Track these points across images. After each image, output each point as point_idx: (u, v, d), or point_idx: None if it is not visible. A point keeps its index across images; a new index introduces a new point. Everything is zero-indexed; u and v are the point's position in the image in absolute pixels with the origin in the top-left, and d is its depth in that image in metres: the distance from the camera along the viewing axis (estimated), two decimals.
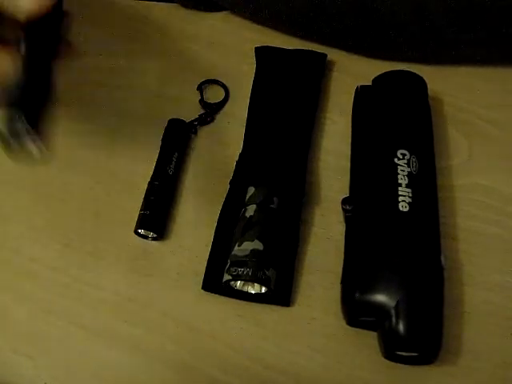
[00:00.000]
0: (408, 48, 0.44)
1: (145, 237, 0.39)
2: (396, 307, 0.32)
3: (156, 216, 0.39)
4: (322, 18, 0.43)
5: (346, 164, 0.40)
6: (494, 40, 0.42)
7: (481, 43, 0.43)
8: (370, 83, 0.42)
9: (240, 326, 0.36)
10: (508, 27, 0.40)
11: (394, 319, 0.32)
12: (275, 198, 0.37)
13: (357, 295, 0.33)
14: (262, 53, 0.46)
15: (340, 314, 0.35)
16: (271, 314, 0.36)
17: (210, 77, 0.46)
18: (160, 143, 0.42)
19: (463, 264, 0.37)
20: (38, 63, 0.30)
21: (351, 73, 0.45)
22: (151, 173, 0.41)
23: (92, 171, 0.43)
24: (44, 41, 0.31)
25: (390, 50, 0.45)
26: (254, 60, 0.46)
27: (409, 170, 0.36)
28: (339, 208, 0.37)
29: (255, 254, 0.35)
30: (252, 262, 0.35)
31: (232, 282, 0.36)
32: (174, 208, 0.41)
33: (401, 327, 0.32)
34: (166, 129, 0.42)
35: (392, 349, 0.33)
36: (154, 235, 0.39)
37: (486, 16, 0.40)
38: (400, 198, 0.35)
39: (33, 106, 0.28)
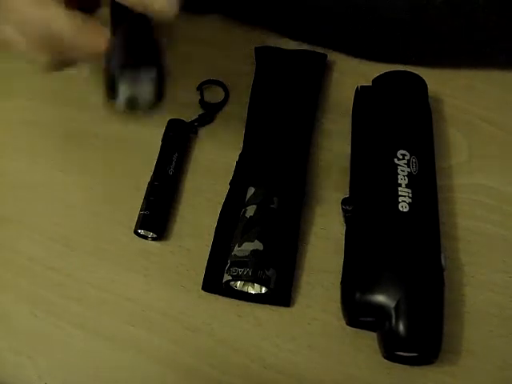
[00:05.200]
0: (407, 51, 0.44)
1: (145, 237, 0.39)
2: (396, 307, 0.32)
3: (156, 216, 0.39)
4: (322, 22, 0.43)
5: (346, 164, 0.40)
6: (494, 44, 0.42)
7: (480, 47, 0.43)
8: (370, 83, 0.42)
9: (240, 325, 0.36)
10: (507, 30, 0.41)
11: (393, 319, 0.32)
12: (275, 198, 0.37)
13: (357, 295, 0.33)
14: (262, 53, 0.46)
15: (340, 314, 0.35)
16: (271, 314, 0.36)
17: (210, 77, 0.46)
18: (160, 143, 0.42)
19: (463, 264, 0.37)
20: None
21: (351, 73, 0.45)
22: (151, 173, 0.41)
23: (92, 171, 0.43)
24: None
25: (390, 53, 0.45)
26: (254, 60, 0.46)
27: (409, 170, 0.36)
28: (339, 208, 0.37)
29: (255, 254, 0.35)
30: (252, 263, 0.35)
31: (232, 283, 0.36)
32: (174, 208, 0.41)
33: (401, 327, 0.32)
34: (166, 129, 0.42)
35: (392, 349, 0.33)
36: (154, 235, 0.39)
37: (484, 20, 0.40)
38: (400, 199, 0.35)
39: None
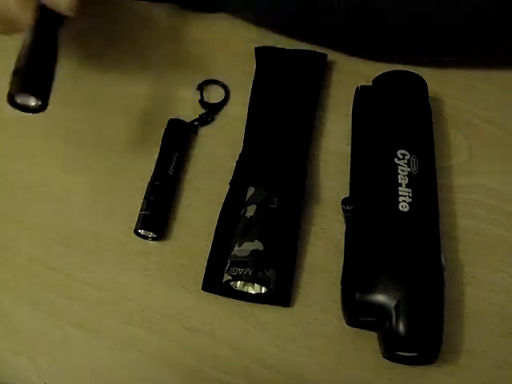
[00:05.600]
0: (407, 51, 0.44)
1: (145, 237, 0.39)
2: (396, 307, 0.32)
3: (156, 216, 0.39)
4: (322, 22, 0.43)
5: (346, 164, 0.40)
6: (494, 44, 0.42)
7: (480, 46, 0.43)
8: (371, 83, 0.42)
9: (240, 326, 0.36)
10: (507, 31, 0.41)
11: (394, 319, 0.32)
12: (275, 198, 0.37)
13: (357, 295, 0.33)
14: (262, 53, 0.46)
15: (340, 314, 0.35)
16: (271, 314, 0.36)
17: (209, 77, 0.46)
18: (160, 143, 0.42)
19: (463, 264, 0.37)
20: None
21: (351, 73, 0.45)
22: (151, 173, 0.41)
23: (92, 171, 0.43)
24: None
25: (390, 52, 0.45)
26: (254, 60, 0.46)
27: (409, 170, 0.36)
28: (339, 208, 0.37)
29: (255, 254, 0.35)
30: (252, 263, 0.35)
31: (232, 283, 0.36)
32: (174, 208, 0.41)
33: (401, 327, 0.32)
34: (166, 129, 0.42)
35: (392, 349, 0.33)
36: (154, 235, 0.39)
37: (484, 20, 0.40)
38: (400, 198, 0.35)
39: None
